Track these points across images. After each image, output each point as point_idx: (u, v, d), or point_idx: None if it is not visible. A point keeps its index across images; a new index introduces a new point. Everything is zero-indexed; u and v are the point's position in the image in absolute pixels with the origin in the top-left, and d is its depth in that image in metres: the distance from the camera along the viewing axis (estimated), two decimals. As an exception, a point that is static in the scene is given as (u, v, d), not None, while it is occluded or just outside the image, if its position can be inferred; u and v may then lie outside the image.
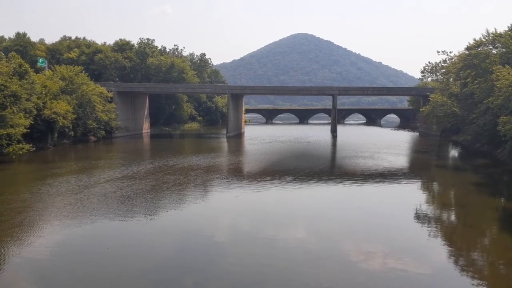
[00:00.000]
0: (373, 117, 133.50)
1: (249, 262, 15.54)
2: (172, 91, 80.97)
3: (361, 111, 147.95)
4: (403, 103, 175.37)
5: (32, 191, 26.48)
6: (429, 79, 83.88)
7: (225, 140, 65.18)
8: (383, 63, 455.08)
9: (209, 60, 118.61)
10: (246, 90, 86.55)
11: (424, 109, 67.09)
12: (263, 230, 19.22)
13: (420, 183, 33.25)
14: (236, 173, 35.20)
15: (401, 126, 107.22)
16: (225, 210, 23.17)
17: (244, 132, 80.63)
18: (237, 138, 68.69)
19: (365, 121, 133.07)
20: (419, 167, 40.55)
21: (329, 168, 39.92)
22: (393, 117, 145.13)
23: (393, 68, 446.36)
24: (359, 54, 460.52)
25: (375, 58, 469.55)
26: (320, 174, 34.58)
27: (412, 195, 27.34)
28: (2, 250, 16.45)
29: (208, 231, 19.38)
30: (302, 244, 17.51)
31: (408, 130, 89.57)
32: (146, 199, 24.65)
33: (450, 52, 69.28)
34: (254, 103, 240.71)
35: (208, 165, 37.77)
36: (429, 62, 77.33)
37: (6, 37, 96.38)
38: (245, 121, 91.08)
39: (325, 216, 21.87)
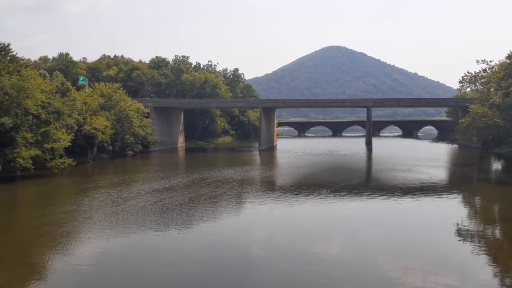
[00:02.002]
0: (409, 129, 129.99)
1: (284, 277, 15.44)
2: (206, 106, 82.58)
3: (397, 123, 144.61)
4: (441, 114, 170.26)
5: (75, 203, 27.58)
6: (468, 89, 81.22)
7: (258, 153, 65.46)
8: (418, 73, 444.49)
9: (241, 75, 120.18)
10: (278, 104, 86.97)
11: (463, 120, 64.88)
12: (299, 244, 19.08)
13: (461, 197, 32.05)
14: (270, 186, 35.24)
15: (439, 138, 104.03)
16: (260, 223, 23.23)
17: (276, 145, 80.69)
18: (269, 151, 68.83)
19: (401, 133, 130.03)
20: (460, 181, 39.09)
21: (365, 181, 39.22)
22: (431, 129, 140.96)
23: (429, 79, 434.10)
24: (393, 65, 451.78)
25: (410, 69, 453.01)
26: (356, 187, 34.03)
27: (453, 210, 26.36)
28: (49, 259, 17.26)
29: (243, 244, 19.47)
30: (338, 259, 17.28)
31: (447, 142, 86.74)
32: (184, 211, 25.13)
33: (490, 61, 67.03)
34: (287, 116, 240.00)
35: (242, 178, 38.05)
36: (468, 72, 74.92)
37: (50, 57, 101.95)
38: (277, 135, 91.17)
39: (362, 231, 21.47)
